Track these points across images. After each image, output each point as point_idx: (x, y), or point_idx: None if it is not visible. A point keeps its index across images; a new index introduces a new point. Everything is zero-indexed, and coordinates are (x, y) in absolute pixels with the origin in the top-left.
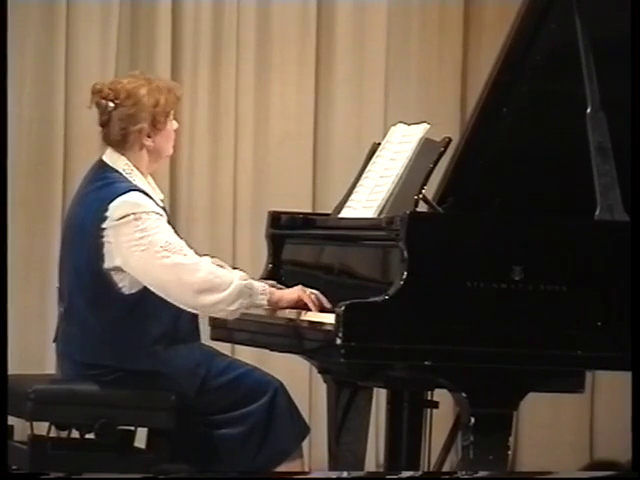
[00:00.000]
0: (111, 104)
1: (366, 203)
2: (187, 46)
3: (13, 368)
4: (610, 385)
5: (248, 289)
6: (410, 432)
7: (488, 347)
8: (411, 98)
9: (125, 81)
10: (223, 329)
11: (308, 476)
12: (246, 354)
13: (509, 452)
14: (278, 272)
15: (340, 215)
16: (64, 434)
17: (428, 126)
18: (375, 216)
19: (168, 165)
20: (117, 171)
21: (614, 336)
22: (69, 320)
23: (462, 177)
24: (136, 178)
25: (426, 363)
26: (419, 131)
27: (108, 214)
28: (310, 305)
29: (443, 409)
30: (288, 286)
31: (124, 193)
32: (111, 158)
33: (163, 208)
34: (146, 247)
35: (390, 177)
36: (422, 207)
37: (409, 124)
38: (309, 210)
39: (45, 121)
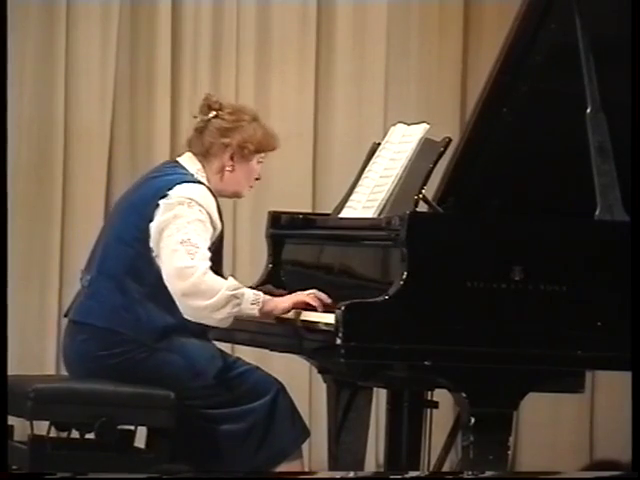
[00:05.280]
0: (213, 112)
1: (366, 203)
2: (187, 46)
3: (13, 368)
4: (610, 385)
5: (236, 299)
6: (410, 432)
7: (488, 347)
8: (411, 98)
9: (235, 104)
10: (223, 329)
11: (313, 476)
12: (246, 354)
13: (509, 452)
14: (278, 272)
15: (340, 215)
16: (64, 434)
17: (428, 126)
18: (375, 216)
19: None
20: (190, 173)
21: (614, 336)
22: (98, 288)
23: (462, 177)
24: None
25: (426, 363)
26: (419, 131)
27: (171, 192)
28: (315, 305)
29: (443, 409)
30: (289, 288)
31: (198, 183)
32: (186, 161)
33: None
34: (171, 234)
35: (390, 177)
36: (422, 207)
37: (409, 124)
38: (309, 210)
39: (45, 121)
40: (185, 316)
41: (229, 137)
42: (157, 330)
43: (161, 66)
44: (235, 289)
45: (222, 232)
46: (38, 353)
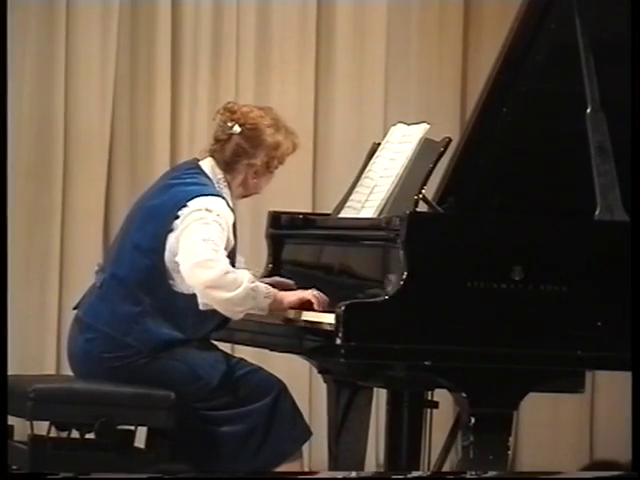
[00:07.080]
0: (237, 128)
1: (366, 203)
2: (187, 46)
3: (13, 368)
4: (610, 385)
5: (254, 292)
6: (410, 432)
7: (488, 347)
8: (411, 98)
9: (257, 112)
10: (223, 329)
11: (313, 476)
12: (246, 354)
13: (509, 452)
14: (278, 272)
15: (340, 215)
16: (64, 434)
17: (428, 126)
18: (375, 216)
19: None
20: (212, 181)
21: (614, 336)
22: (109, 293)
23: (462, 177)
24: (226, 197)
25: (426, 363)
26: (419, 131)
27: (190, 203)
28: (314, 302)
29: (443, 409)
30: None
31: (215, 196)
32: (208, 167)
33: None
34: (190, 233)
35: (390, 177)
36: (422, 207)
37: (409, 124)
38: (309, 210)
39: (45, 121)
40: (201, 307)
41: (253, 157)
42: (162, 344)
43: (161, 66)
44: (253, 281)
45: (234, 248)
46: (38, 353)
